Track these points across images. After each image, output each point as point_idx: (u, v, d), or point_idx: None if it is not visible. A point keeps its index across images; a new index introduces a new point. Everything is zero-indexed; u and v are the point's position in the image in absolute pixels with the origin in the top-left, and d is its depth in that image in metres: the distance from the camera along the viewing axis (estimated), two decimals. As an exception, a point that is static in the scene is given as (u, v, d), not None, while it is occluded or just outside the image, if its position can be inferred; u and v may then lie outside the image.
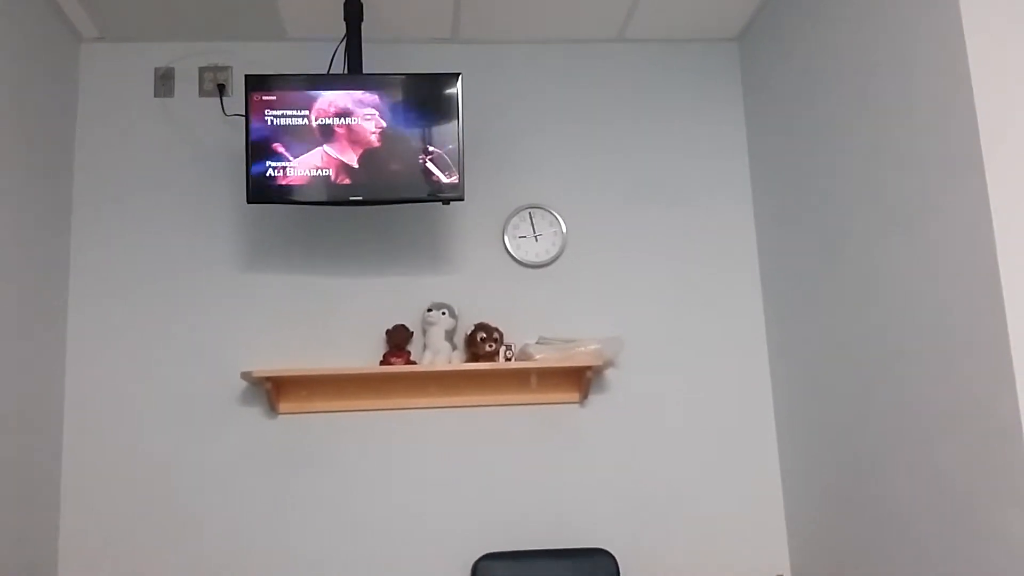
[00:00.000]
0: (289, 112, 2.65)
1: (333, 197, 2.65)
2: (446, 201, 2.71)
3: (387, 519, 2.86)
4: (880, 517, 2.34)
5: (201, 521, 2.81)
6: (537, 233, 3.05)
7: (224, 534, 2.81)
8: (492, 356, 2.85)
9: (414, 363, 2.85)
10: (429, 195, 2.68)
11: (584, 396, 2.95)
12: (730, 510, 2.95)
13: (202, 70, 3.06)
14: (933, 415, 2.08)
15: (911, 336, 2.16)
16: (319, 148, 2.65)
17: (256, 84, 2.67)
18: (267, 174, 2.63)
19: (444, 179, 2.68)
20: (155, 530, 2.79)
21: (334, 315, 2.96)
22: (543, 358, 2.81)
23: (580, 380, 2.92)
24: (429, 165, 2.68)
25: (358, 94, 2.67)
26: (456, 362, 2.85)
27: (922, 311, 2.11)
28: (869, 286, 2.36)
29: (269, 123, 2.65)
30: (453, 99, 2.70)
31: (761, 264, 3.09)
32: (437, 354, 2.83)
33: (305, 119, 2.65)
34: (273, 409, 2.86)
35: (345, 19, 2.81)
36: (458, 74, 2.72)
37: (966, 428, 1.96)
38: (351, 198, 2.65)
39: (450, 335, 2.86)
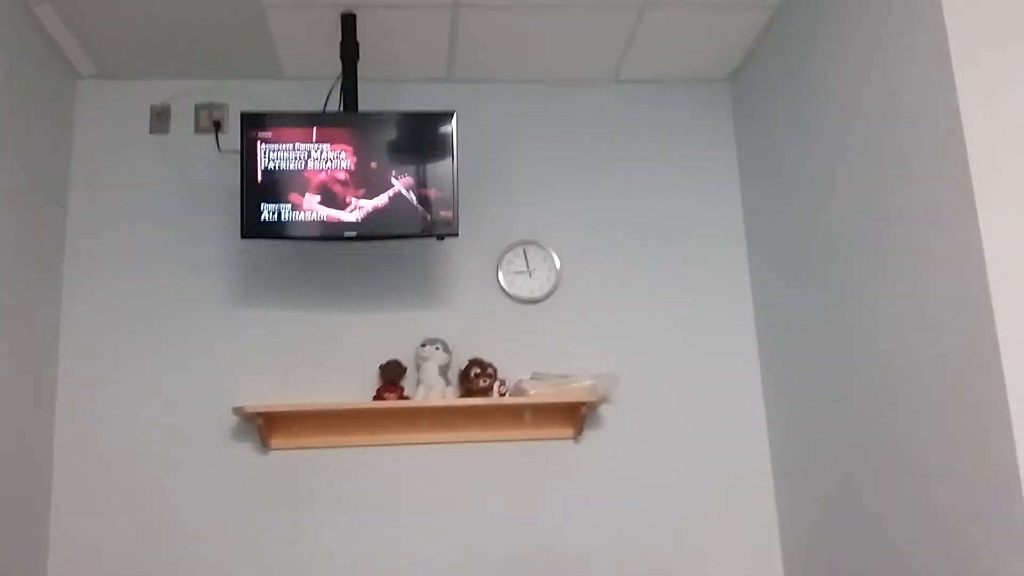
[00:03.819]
0: (284, 149, 2.67)
1: (328, 233, 2.66)
2: (441, 237, 2.72)
3: (380, 555, 2.83)
4: (875, 552, 2.33)
5: (192, 557, 2.77)
6: (531, 269, 3.06)
7: (215, 570, 2.77)
8: (486, 391, 2.84)
9: (408, 398, 2.84)
10: (424, 231, 2.69)
11: (579, 432, 2.94)
12: (726, 546, 2.92)
13: (198, 107, 3.08)
14: (928, 454, 2.08)
15: (906, 373, 2.17)
16: (314, 183, 2.66)
17: (252, 122, 2.68)
18: (261, 210, 2.64)
19: (439, 215, 2.69)
20: (146, 567, 2.75)
21: (327, 350, 2.95)
22: (537, 394, 2.80)
23: (575, 416, 2.91)
24: (424, 201, 2.69)
25: (354, 132, 2.69)
26: (450, 397, 2.84)
27: (917, 349, 2.12)
28: (863, 322, 2.37)
29: (264, 160, 2.66)
30: (448, 137, 2.72)
31: (755, 300, 3.11)
32: (431, 389, 2.82)
33: (300, 156, 2.67)
34: (265, 445, 2.84)
35: (341, 58, 2.84)
36: (453, 112, 2.74)
37: (961, 466, 1.95)
38: (346, 234, 2.66)
39: (444, 370, 2.86)
